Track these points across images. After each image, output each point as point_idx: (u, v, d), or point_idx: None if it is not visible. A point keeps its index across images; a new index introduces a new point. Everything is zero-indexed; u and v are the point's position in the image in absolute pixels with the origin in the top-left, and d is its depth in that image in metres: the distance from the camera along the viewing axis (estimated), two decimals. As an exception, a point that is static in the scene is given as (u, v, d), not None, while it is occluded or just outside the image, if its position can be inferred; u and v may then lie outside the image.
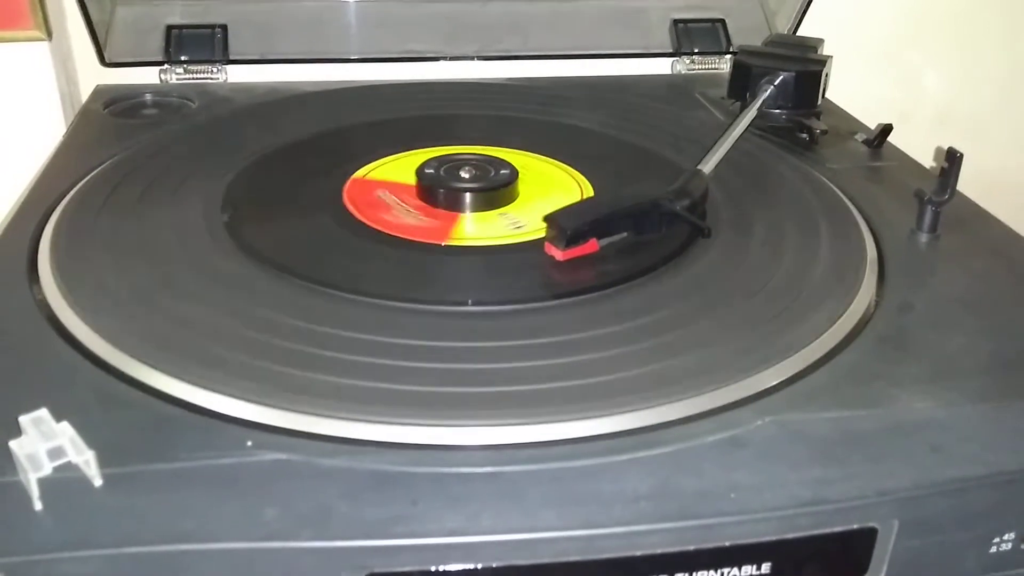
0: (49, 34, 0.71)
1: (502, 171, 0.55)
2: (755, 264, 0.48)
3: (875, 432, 0.36)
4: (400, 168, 0.58)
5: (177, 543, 0.30)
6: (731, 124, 0.61)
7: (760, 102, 0.64)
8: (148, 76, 0.73)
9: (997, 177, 0.81)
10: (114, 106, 0.69)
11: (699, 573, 0.33)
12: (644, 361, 0.40)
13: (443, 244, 0.50)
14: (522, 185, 0.55)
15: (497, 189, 0.54)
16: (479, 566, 0.32)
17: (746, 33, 0.80)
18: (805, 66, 0.66)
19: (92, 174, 0.56)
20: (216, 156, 0.59)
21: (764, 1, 0.82)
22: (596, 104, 0.70)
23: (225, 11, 0.74)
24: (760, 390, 0.39)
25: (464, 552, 0.31)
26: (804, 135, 0.64)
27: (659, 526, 0.32)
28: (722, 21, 0.81)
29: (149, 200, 0.53)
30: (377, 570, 0.31)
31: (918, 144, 0.64)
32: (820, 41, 0.68)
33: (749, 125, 0.62)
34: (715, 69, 0.80)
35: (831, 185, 0.58)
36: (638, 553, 0.32)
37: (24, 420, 0.33)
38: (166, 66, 0.73)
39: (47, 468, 0.32)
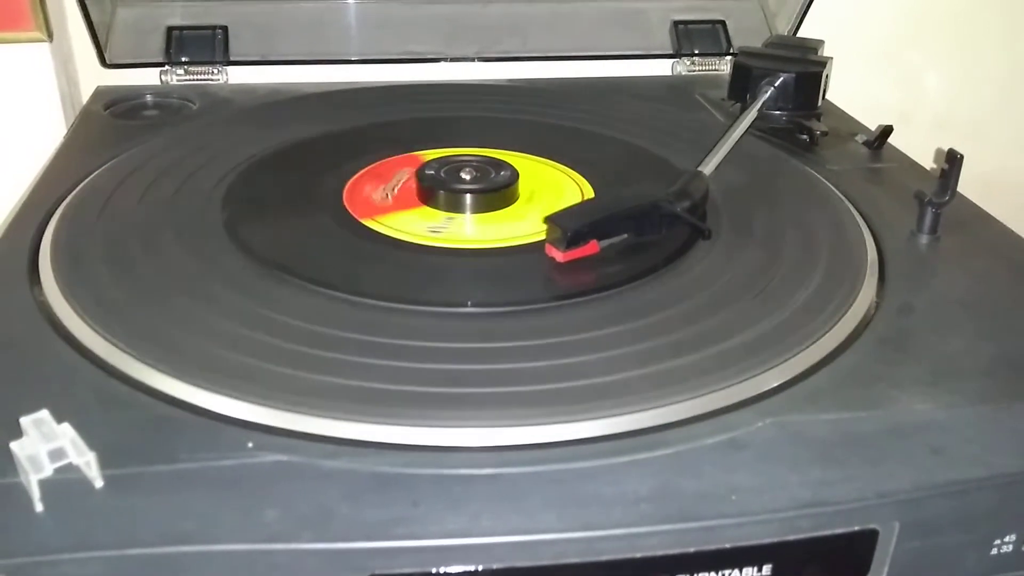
0: (50, 35, 0.71)
1: (503, 172, 0.55)
2: (755, 265, 0.48)
3: (876, 434, 0.36)
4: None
5: (178, 545, 0.30)
6: (731, 125, 0.61)
7: (760, 103, 0.64)
8: (149, 77, 0.73)
9: (997, 178, 0.81)
10: (115, 107, 0.69)
11: (700, 575, 0.33)
12: (644, 363, 0.40)
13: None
14: (523, 186, 0.55)
15: (498, 190, 0.54)
16: (480, 568, 0.32)
17: (746, 34, 0.80)
18: (805, 67, 0.65)
19: (93, 175, 0.56)
20: (216, 157, 0.59)
21: (764, 2, 0.82)
22: (596, 105, 0.70)
23: (225, 12, 0.74)
24: (761, 392, 0.39)
25: (465, 554, 0.31)
26: (804, 136, 0.64)
27: (659, 528, 0.32)
28: (722, 22, 0.81)
29: (149, 201, 0.53)
30: (378, 572, 0.31)
31: (918, 145, 0.64)
32: (820, 42, 0.68)
33: (749, 126, 0.62)
34: (715, 70, 0.80)
35: (831, 186, 0.58)
36: (638, 555, 0.32)
37: (25, 421, 0.33)
38: (167, 67, 0.73)
39: (48, 469, 0.32)
